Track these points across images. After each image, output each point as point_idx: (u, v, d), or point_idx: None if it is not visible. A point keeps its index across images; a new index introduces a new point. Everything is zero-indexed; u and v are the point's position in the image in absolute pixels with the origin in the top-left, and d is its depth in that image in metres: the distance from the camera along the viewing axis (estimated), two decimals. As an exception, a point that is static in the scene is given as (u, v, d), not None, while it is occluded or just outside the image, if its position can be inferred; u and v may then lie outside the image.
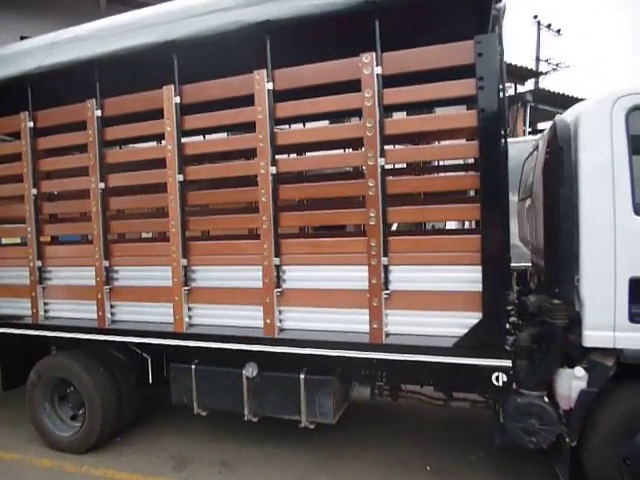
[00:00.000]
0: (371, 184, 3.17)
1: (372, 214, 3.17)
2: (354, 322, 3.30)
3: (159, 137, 4.18)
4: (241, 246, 3.77)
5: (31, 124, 4.17)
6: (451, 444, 4.14)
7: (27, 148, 4.18)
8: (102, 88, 3.87)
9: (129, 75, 3.75)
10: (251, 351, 3.52)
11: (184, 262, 3.68)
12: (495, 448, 3.47)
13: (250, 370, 3.64)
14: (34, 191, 4.22)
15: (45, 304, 4.26)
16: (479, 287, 3.01)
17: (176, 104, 3.65)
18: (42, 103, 4.11)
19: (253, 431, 4.27)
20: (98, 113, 3.89)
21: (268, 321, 3.45)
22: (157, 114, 3.72)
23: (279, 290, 3.43)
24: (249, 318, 3.57)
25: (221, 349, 3.59)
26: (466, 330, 3.05)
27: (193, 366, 3.83)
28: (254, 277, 3.49)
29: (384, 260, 3.16)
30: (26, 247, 4.25)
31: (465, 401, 3.78)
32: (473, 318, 3.05)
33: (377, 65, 3.11)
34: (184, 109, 3.69)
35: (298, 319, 3.50)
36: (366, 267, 3.19)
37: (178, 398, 3.93)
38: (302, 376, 3.54)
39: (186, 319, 3.73)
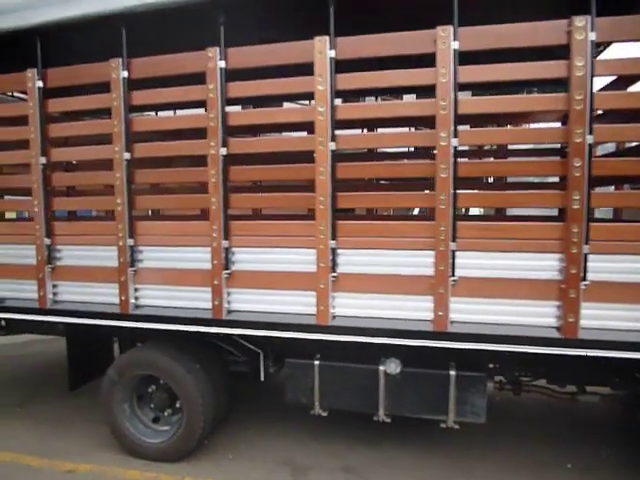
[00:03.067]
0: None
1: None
2: (531, 315, 3.03)
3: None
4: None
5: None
6: (572, 439, 3.92)
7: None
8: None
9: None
10: (395, 346, 3.18)
11: (333, 243, 3.16)
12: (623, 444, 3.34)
13: (392, 366, 3.36)
14: (43, 160, 3.71)
15: (136, 290, 3.66)
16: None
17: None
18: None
19: (358, 432, 4.04)
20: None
21: (440, 313, 3.09)
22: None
23: (454, 279, 3.06)
24: (409, 309, 3.18)
25: (358, 343, 3.23)
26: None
27: (316, 362, 3.48)
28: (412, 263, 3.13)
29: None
30: (114, 222, 3.58)
31: (595, 395, 3.60)
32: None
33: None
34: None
35: (471, 311, 3.12)
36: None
37: (294, 396, 3.60)
38: (452, 373, 3.27)
39: (332, 310, 3.27)
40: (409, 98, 4.38)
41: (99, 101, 3.60)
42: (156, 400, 3.92)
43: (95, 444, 4.09)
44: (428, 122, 3.13)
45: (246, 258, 3.43)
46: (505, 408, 4.41)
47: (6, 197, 4.60)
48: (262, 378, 3.78)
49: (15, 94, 4.54)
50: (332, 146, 3.13)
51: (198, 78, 3.34)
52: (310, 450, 3.97)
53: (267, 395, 4.87)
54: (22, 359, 6.30)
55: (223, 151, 3.32)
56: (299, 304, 3.35)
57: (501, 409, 4.46)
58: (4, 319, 4.25)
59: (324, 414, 3.63)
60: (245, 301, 3.45)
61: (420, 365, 3.37)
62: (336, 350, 3.44)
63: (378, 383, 3.43)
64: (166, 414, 3.92)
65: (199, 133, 3.44)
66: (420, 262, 3.13)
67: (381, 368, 3.41)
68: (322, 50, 3.08)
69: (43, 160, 3.70)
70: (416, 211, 8.51)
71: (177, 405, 3.84)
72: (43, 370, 6.00)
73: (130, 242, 3.57)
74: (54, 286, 3.85)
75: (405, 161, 3.49)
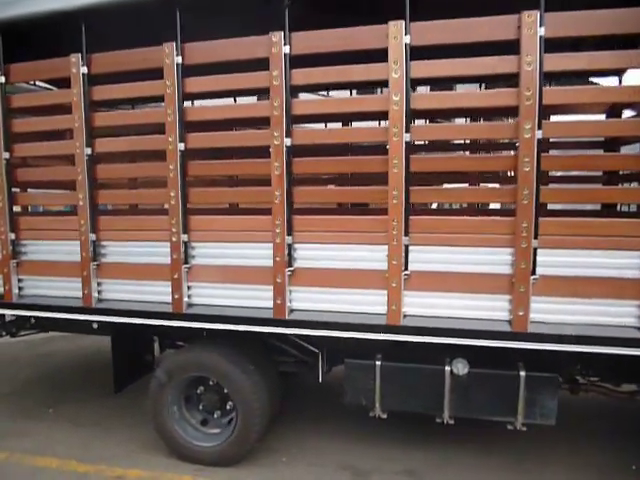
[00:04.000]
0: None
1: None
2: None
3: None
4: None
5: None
6: (635, 440, 3.74)
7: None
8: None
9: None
10: (463, 346, 3.04)
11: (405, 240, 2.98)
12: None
13: (460, 367, 3.21)
14: (88, 150, 3.49)
15: (189, 288, 3.46)
16: None
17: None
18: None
19: (411, 433, 3.95)
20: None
21: (521, 313, 2.92)
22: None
23: (535, 277, 2.91)
24: (485, 309, 3.03)
25: (423, 343, 3.07)
26: None
27: (378, 362, 3.32)
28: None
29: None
30: (167, 217, 3.39)
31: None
32: None
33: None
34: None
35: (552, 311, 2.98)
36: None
37: (354, 398, 3.43)
38: (522, 373, 3.12)
39: (403, 310, 3.09)
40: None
41: (152, 88, 3.37)
42: (205, 402, 3.76)
43: (140, 448, 3.93)
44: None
45: (309, 255, 3.25)
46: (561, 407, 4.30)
47: (46, 191, 4.39)
48: (320, 379, 3.63)
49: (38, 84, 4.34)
50: (407, 137, 2.97)
51: (252, 65, 3.14)
52: (366, 453, 3.83)
53: (313, 394, 4.73)
54: (47, 357, 6.11)
55: (287, 142, 3.14)
56: (366, 303, 3.19)
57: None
58: (33, 317, 4.05)
59: (384, 416, 3.50)
60: (308, 300, 3.28)
61: (486, 365, 3.23)
62: (399, 350, 3.30)
63: (444, 384, 3.28)
64: (215, 416, 3.76)
65: (252, 123, 3.27)
66: (497, 260, 3.00)
67: (447, 369, 3.27)
68: (397, 35, 2.90)
69: (88, 151, 3.50)
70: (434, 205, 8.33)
71: (227, 407, 3.69)
72: (69, 369, 5.82)
73: (184, 238, 3.38)
74: (99, 284, 3.66)
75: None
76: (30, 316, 4.06)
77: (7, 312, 4.00)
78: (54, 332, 4.69)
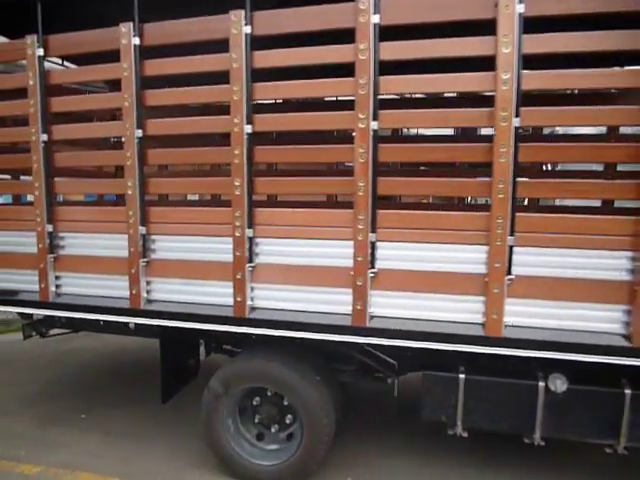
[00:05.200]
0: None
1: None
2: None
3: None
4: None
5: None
6: None
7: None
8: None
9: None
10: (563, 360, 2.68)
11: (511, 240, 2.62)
12: None
13: (558, 383, 2.87)
14: (139, 133, 3.11)
15: (252, 289, 3.05)
16: None
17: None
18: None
19: (480, 451, 3.65)
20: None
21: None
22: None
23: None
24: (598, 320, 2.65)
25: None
26: None
27: (462, 376, 2.97)
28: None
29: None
30: (229, 209, 3.00)
31: None
32: None
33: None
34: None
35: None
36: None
37: (432, 413, 3.09)
38: (627, 391, 2.75)
39: (505, 320, 2.70)
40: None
41: (216, 62, 2.96)
42: (262, 415, 3.40)
43: (186, 465, 3.58)
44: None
45: (395, 255, 2.86)
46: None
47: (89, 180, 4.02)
48: (396, 393, 3.26)
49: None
50: (516, 122, 2.57)
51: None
52: (439, 474, 3.47)
53: (370, 405, 4.37)
54: (71, 355, 5.74)
55: (374, 125, 2.73)
56: (463, 311, 2.81)
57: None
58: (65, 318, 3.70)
59: (465, 435, 3.14)
60: (391, 306, 2.90)
61: (582, 381, 2.86)
62: (487, 362, 2.93)
63: (536, 401, 2.92)
64: (272, 430, 3.40)
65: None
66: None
67: (541, 384, 2.91)
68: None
69: (139, 133, 3.10)
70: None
71: (286, 421, 3.33)
72: (95, 369, 5.47)
73: (249, 233, 2.99)
74: (148, 283, 3.28)
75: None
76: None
77: (44, 312, 3.62)
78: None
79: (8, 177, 4.15)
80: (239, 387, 3.29)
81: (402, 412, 4.20)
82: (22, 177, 4.09)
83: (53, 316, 3.80)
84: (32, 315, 4.00)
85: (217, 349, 3.83)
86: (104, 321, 3.45)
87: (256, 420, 3.43)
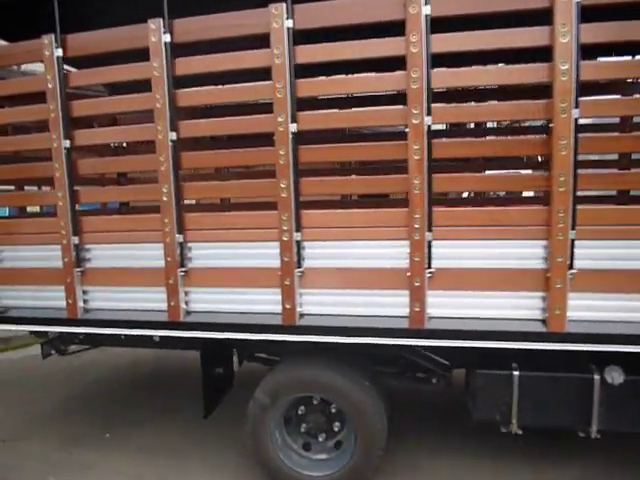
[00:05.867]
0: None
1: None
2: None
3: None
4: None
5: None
6: None
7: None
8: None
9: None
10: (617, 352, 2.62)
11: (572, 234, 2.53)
12: None
13: (615, 375, 2.84)
14: (173, 135, 2.94)
15: (301, 295, 2.91)
16: None
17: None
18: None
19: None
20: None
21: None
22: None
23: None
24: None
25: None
26: None
27: (516, 372, 2.90)
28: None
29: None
30: (276, 212, 2.87)
31: None
32: None
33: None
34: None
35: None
36: None
37: (486, 413, 3.02)
38: None
39: (571, 313, 2.63)
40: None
41: (257, 59, 2.80)
42: (309, 424, 3.29)
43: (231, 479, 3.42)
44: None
45: (451, 254, 2.77)
46: None
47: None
48: (443, 392, 3.21)
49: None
50: (575, 114, 2.52)
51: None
52: (492, 473, 3.41)
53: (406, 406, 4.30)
54: (84, 370, 5.47)
55: (428, 120, 2.63)
56: (523, 307, 2.74)
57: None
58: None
59: (519, 432, 3.10)
60: (449, 306, 2.82)
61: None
62: (541, 358, 2.90)
63: (592, 394, 2.90)
64: (320, 439, 3.29)
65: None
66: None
67: (597, 377, 2.88)
68: None
69: (173, 136, 2.93)
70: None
71: (334, 429, 3.24)
72: (111, 383, 5.25)
73: (297, 236, 2.86)
74: (186, 293, 3.11)
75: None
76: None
77: (72, 330, 3.41)
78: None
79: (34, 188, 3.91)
80: (287, 397, 3.17)
81: (441, 411, 4.18)
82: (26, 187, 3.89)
83: (73, 332, 3.59)
84: (47, 332, 3.79)
85: (250, 358, 3.70)
86: (132, 335, 3.27)
87: (302, 429, 3.31)
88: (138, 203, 4.33)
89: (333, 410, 3.21)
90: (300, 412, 3.29)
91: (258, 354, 3.67)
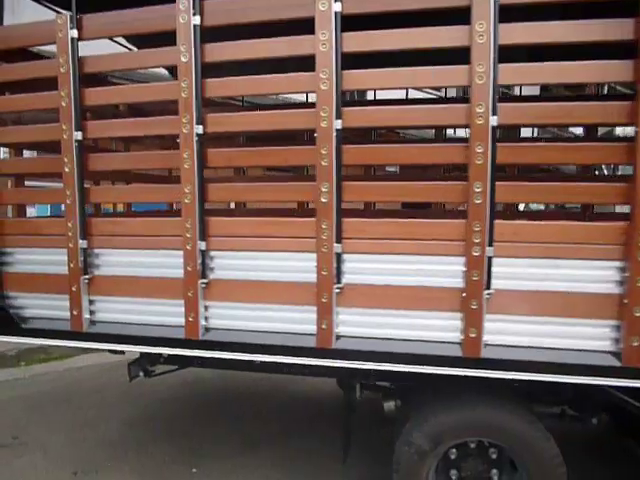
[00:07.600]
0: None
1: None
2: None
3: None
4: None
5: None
6: None
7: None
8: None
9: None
10: None
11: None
12: None
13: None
14: (199, 129, 2.60)
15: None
16: None
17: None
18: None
19: None
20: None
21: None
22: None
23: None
24: None
25: None
26: None
27: None
28: None
29: None
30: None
31: None
32: None
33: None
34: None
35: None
36: None
37: None
38: None
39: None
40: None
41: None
42: (467, 472, 2.82)
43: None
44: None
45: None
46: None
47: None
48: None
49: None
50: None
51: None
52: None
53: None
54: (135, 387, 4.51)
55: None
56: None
57: None
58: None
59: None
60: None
61: None
62: None
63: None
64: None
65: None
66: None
67: None
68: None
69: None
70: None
71: (493, 477, 2.79)
72: (172, 405, 4.69)
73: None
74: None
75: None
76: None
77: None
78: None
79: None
80: (452, 442, 2.74)
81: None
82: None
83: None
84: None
85: (371, 387, 3.19)
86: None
87: (453, 477, 2.82)
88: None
89: (494, 456, 2.76)
90: (452, 457, 2.80)
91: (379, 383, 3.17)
